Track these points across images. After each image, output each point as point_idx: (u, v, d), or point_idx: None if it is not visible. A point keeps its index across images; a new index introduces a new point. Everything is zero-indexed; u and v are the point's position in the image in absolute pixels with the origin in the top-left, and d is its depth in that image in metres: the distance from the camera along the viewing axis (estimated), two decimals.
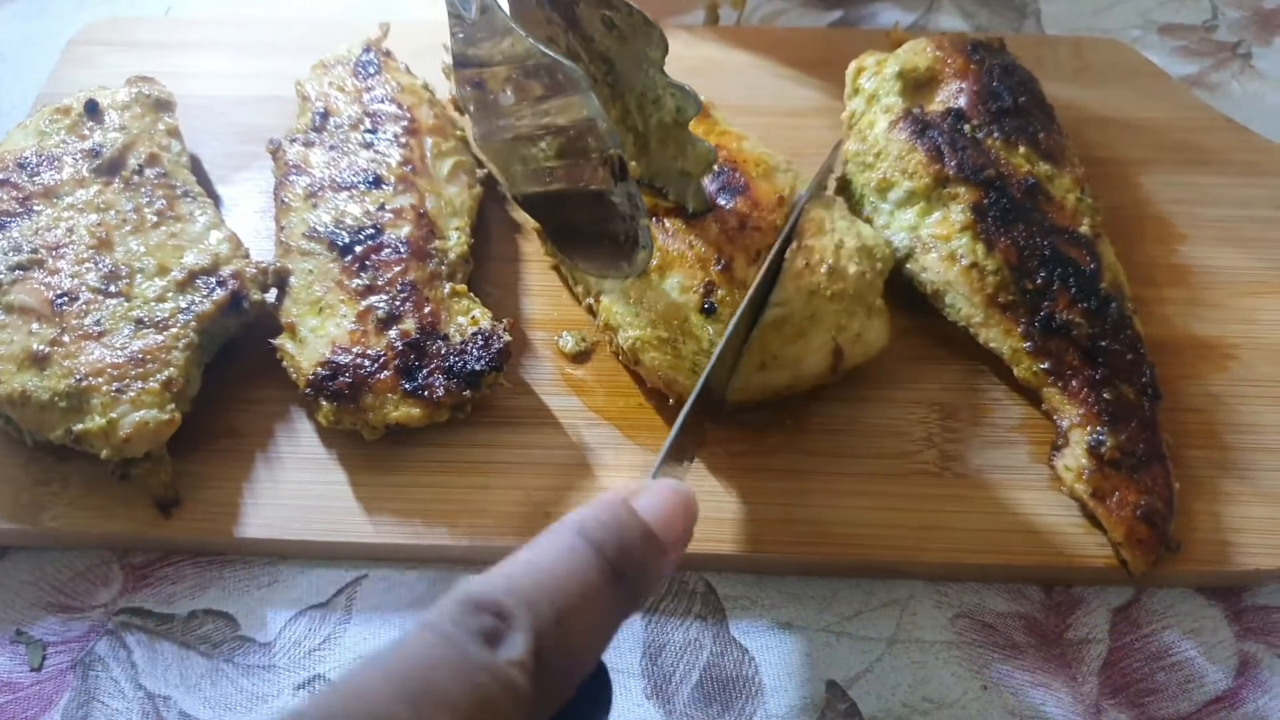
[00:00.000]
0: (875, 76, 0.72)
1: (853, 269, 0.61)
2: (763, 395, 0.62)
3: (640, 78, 0.63)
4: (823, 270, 0.60)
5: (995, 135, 0.67)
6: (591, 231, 0.63)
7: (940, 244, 0.64)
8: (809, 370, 0.61)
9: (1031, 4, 0.95)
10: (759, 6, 0.94)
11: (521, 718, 0.32)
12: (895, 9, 0.95)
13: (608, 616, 0.37)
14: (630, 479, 0.43)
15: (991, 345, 0.63)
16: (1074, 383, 0.61)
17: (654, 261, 0.62)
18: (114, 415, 0.58)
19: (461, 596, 0.34)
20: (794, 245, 0.61)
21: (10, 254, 0.64)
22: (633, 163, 0.67)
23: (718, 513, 0.61)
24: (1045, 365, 0.62)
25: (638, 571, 0.37)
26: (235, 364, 0.67)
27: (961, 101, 0.69)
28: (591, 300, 0.66)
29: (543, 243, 0.71)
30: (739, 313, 0.57)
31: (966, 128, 0.67)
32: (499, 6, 0.62)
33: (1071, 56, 0.85)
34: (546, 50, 0.59)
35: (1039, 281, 0.62)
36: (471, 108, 0.68)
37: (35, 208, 0.66)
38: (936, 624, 0.60)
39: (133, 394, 0.59)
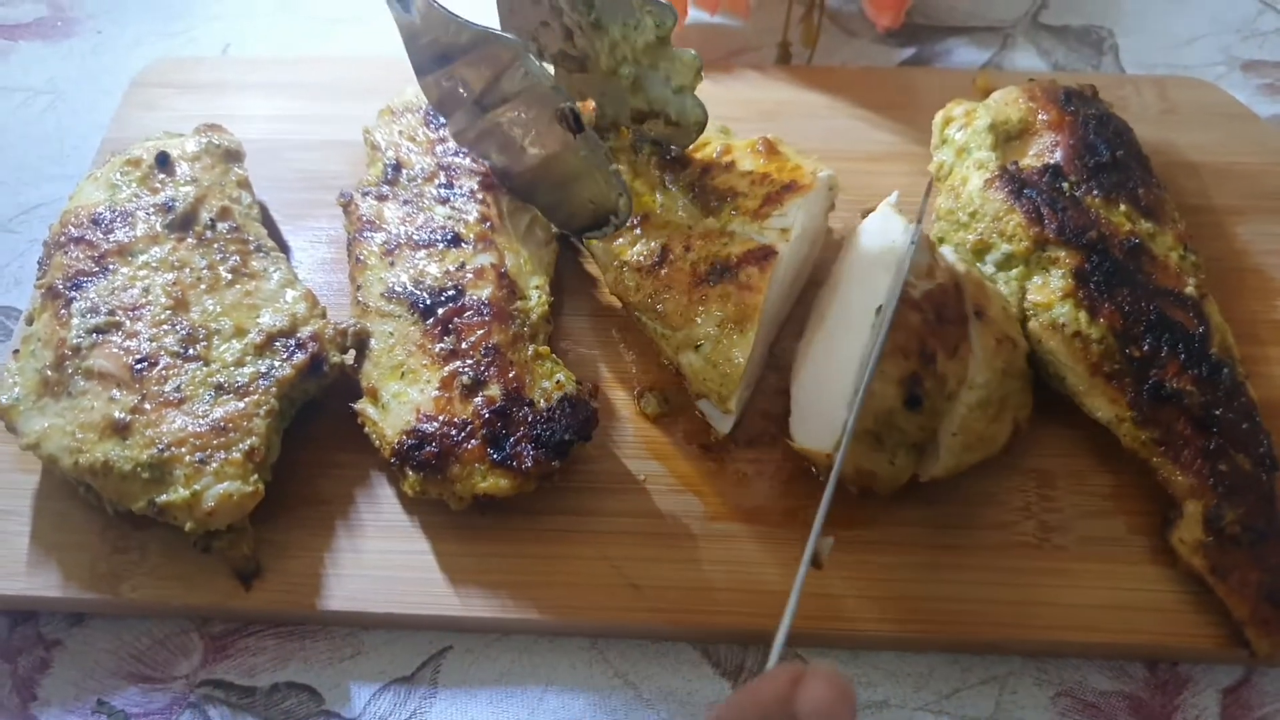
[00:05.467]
0: (965, 129, 0.70)
1: (1022, 341, 0.59)
2: (958, 472, 0.60)
3: (619, 7, 0.66)
4: (1008, 346, 0.58)
5: (1094, 193, 0.65)
6: (578, 199, 0.66)
7: (1042, 312, 0.62)
8: (998, 448, 0.60)
9: (1109, 40, 0.93)
10: (830, 43, 0.92)
11: None
12: (969, 45, 0.92)
13: None
14: (790, 663, 0.42)
15: (1097, 415, 0.61)
16: (1186, 453, 0.59)
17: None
18: (197, 487, 0.57)
19: None
20: (979, 317, 0.59)
21: (89, 316, 0.62)
22: (590, 104, 0.71)
23: (812, 587, 0.59)
24: (1154, 435, 0.59)
25: None
26: (312, 425, 0.65)
27: (1058, 156, 0.67)
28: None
29: (628, 311, 0.70)
30: (866, 382, 0.55)
31: (1065, 185, 0.65)
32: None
33: (1156, 98, 0.83)
34: (477, 24, 0.63)
35: (1146, 349, 0.60)
36: (445, 108, 0.70)
37: (110, 266, 0.65)
38: (1038, 703, 0.58)
39: (216, 465, 0.58)
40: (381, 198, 0.69)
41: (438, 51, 0.67)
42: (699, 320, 0.62)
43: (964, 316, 0.58)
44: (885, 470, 0.58)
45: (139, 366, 0.61)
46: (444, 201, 0.68)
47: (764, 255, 0.63)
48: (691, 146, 0.71)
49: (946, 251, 0.63)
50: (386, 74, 0.83)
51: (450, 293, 0.64)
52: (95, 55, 0.95)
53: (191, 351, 0.62)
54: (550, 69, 0.70)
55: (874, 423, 0.57)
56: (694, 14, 0.92)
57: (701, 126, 0.68)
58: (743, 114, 0.79)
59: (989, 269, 0.65)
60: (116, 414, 0.59)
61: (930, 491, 0.62)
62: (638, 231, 0.67)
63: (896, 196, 0.66)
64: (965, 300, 0.59)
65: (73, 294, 0.64)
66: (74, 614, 0.61)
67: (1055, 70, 0.90)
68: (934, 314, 0.57)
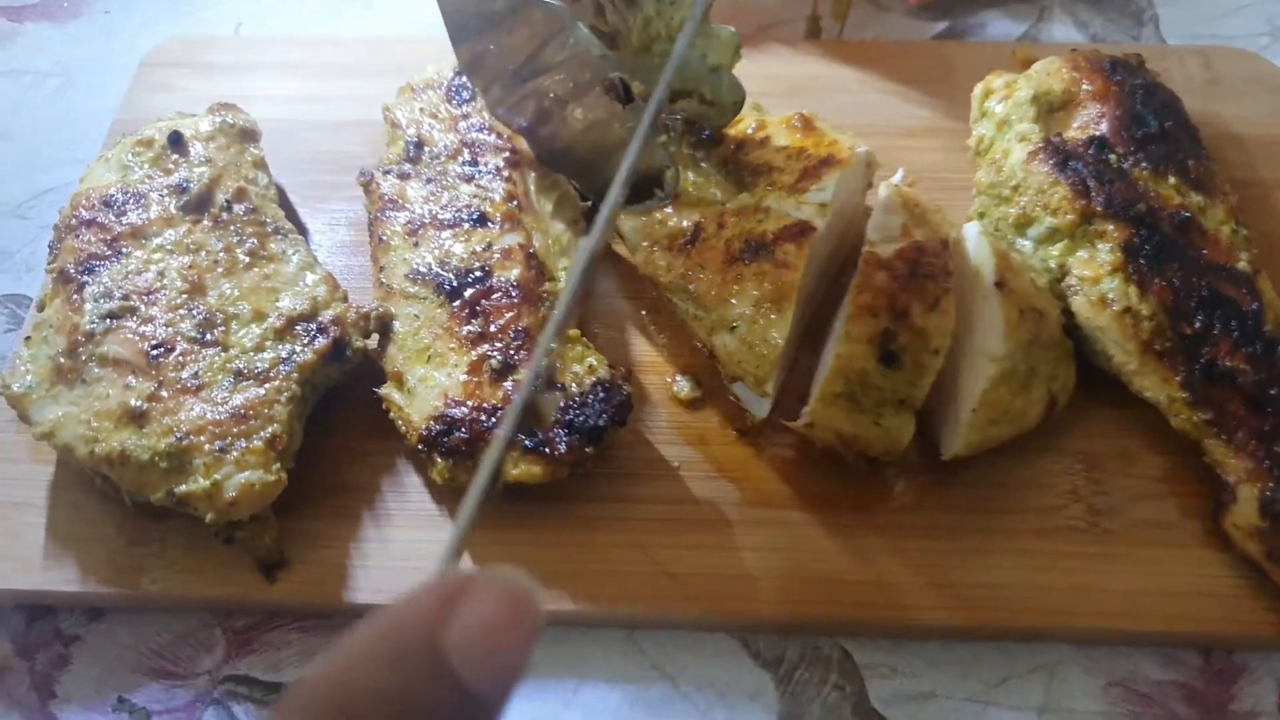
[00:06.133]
0: (1006, 100, 0.68)
1: (1052, 312, 0.57)
2: (985, 448, 0.59)
3: None
4: (1033, 318, 0.56)
5: (1143, 165, 0.63)
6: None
7: (1089, 287, 0.60)
8: (1030, 423, 0.58)
9: (1149, 10, 0.90)
10: (861, 17, 0.89)
11: None
12: (1004, 18, 0.89)
13: None
14: (451, 570, 0.30)
15: (1147, 395, 0.59)
16: (1240, 434, 0.56)
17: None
18: (218, 477, 0.55)
19: None
20: (999, 288, 0.57)
21: (101, 301, 0.60)
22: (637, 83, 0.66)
23: (853, 575, 0.57)
24: (1207, 416, 0.57)
25: None
26: (334, 411, 0.63)
27: (1103, 128, 0.64)
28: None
29: (655, 290, 0.67)
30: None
31: (1112, 157, 0.63)
32: None
33: (1200, 69, 0.80)
34: None
35: (1198, 325, 0.58)
36: (483, 78, 0.67)
37: (124, 249, 0.63)
38: (1088, 693, 0.56)
39: (236, 453, 0.56)
40: (404, 176, 0.67)
41: (476, 19, 0.64)
42: (733, 300, 0.60)
43: (946, 271, 0.56)
44: (871, 433, 0.56)
45: (155, 352, 0.59)
46: (469, 179, 0.66)
47: (801, 231, 0.60)
48: None
49: (971, 228, 0.60)
50: (403, 54, 0.81)
51: (478, 274, 0.61)
52: (104, 36, 0.93)
53: (209, 337, 0.60)
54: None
55: (845, 385, 0.56)
56: None
57: (739, 107, 0.65)
58: (771, 89, 0.77)
59: (1029, 245, 0.63)
60: (133, 402, 0.57)
61: (973, 475, 0.60)
62: (669, 210, 0.65)
63: (901, 175, 0.65)
64: (949, 256, 0.57)
65: (85, 278, 0.62)
66: (93, 609, 0.60)
67: (1094, 42, 0.87)
68: (906, 270, 0.56)
